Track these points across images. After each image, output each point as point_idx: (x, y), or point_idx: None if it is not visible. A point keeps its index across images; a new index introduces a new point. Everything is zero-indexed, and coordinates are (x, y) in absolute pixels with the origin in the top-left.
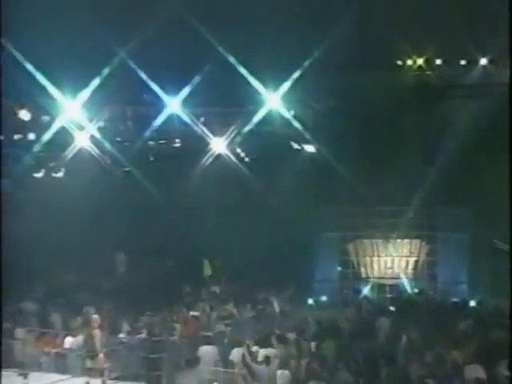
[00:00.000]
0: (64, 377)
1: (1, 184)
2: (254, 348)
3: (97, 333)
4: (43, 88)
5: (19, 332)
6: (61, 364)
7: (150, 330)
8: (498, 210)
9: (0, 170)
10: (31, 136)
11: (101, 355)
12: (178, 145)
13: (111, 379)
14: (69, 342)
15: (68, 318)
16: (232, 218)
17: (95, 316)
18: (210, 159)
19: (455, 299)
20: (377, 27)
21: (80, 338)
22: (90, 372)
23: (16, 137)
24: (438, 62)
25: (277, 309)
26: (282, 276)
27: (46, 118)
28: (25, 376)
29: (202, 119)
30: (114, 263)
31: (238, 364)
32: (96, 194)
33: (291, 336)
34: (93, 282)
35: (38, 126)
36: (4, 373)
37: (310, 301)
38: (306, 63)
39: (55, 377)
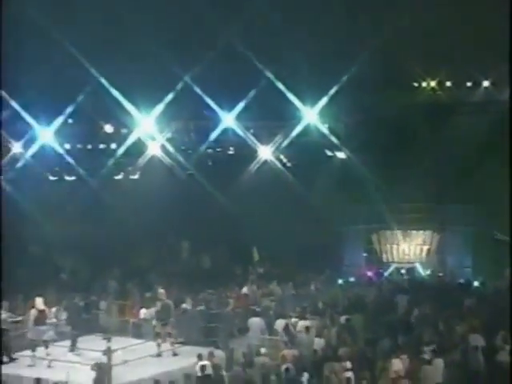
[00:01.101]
0: (139, 341)
1: (1, 184)
2: (295, 319)
3: (170, 303)
4: (123, 107)
5: (103, 304)
6: (137, 331)
7: (208, 304)
8: (497, 207)
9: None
10: (113, 145)
11: (172, 320)
12: (231, 152)
13: (177, 343)
14: (143, 312)
15: (142, 294)
16: (276, 213)
17: (161, 290)
18: (258, 164)
19: (461, 280)
20: (397, 55)
21: (152, 310)
22: (159, 335)
23: (101, 146)
24: (448, 83)
25: (313, 288)
26: (317, 260)
27: (125, 130)
28: (108, 340)
29: (252, 131)
30: (180, 250)
31: (280, 332)
32: (165, 193)
33: (325, 310)
34: (162, 265)
35: (119, 138)
36: (91, 336)
37: (340, 281)
38: (339, 85)
39: (132, 341)
